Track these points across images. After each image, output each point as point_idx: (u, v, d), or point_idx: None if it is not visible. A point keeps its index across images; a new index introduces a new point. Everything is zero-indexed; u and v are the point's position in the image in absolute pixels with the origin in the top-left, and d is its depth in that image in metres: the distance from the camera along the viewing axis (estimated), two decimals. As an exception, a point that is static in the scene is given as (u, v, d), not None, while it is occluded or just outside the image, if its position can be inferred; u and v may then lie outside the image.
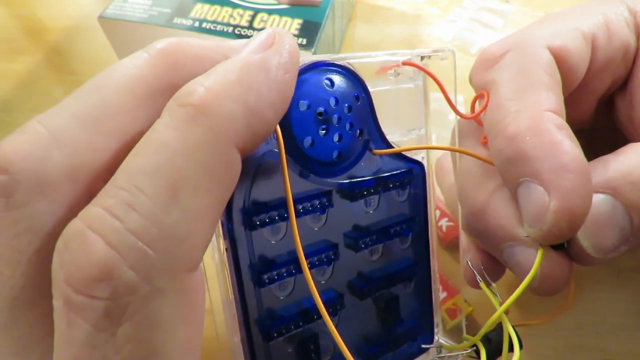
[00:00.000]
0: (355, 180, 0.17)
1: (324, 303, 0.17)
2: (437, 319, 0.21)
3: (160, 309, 0.11)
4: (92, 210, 0.11)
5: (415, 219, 0.20)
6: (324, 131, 0.16)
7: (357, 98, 0.16)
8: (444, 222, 0.29)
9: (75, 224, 0.11)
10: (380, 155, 0.18)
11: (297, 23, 0.31)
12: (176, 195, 0.11)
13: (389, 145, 0.18)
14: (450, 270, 0.27)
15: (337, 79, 0.16)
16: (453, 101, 0.18)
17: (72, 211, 0.11)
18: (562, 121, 0.16)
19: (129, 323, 0.10)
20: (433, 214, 0.21)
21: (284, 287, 0.17)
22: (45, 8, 0.43)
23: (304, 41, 0.30)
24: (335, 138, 0.16)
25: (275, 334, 0.16)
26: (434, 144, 0.20)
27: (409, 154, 0.19)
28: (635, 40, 0.20)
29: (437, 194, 0.27)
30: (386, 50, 0.18)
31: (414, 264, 0.20)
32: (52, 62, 0.39)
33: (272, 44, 0.13)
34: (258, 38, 0.13)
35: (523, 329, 0.25)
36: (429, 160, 0.20)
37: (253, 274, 0.15)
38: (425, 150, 0.20)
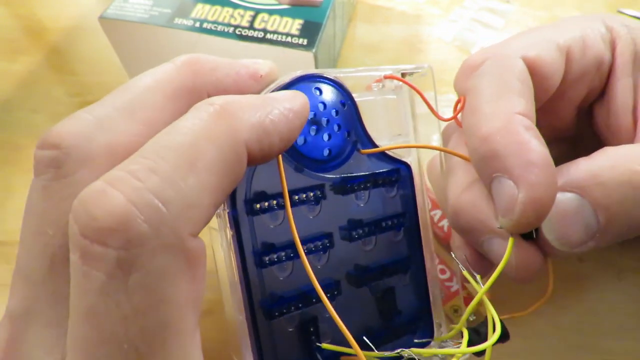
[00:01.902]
0: (345, 176, 0.22)
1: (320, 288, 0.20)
2: (438, 318, 0.24)
3: (166, 262, 0.13)
4: (115, 172, 0.13)
5: (406, 215, 0.24)
6: (314, 132, 0.20)
7: (343, 104, 0.21)
8: (444, 223, 0.32)
9: (95, 184, 0.13)
10: (369, 156, 0.22)
11: (297, 23, 0.33)
12: (194, 167, 0.13)
13: (376, 147, 0.22)
14: (455, 268, 0.29)
15: (325, 88, 0.20)
16: (434, 107, 0.22)
17: None
18: (530, 123, 0.20)
19: (140, 272, 0.12)
20: (426, 212, 0.24)
21: (283, 269, 0.20)
22: (45, 8, 0.46)
23: (305, 41, 0.32)
24: (325, 137, 0.20)
25: (277, 313, 0.19)
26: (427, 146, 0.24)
27: (397, 157, 0.23)
28: (609, 55, 0.24)
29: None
30: (370, 67, 0.22)
31: (407, 257, 0.24)
32: (52, 62, 0.42)
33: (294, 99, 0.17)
34: (287, 93, 0.17)
35: (524, 329, 0.28)
36: (421, 163, 0.24)
37: (255, 256, 0.19)
38: (415, 154, 0.24)
